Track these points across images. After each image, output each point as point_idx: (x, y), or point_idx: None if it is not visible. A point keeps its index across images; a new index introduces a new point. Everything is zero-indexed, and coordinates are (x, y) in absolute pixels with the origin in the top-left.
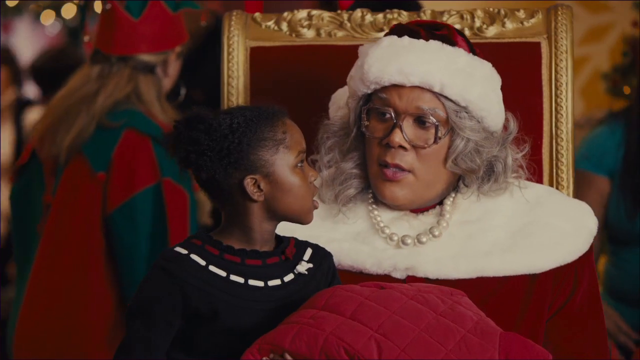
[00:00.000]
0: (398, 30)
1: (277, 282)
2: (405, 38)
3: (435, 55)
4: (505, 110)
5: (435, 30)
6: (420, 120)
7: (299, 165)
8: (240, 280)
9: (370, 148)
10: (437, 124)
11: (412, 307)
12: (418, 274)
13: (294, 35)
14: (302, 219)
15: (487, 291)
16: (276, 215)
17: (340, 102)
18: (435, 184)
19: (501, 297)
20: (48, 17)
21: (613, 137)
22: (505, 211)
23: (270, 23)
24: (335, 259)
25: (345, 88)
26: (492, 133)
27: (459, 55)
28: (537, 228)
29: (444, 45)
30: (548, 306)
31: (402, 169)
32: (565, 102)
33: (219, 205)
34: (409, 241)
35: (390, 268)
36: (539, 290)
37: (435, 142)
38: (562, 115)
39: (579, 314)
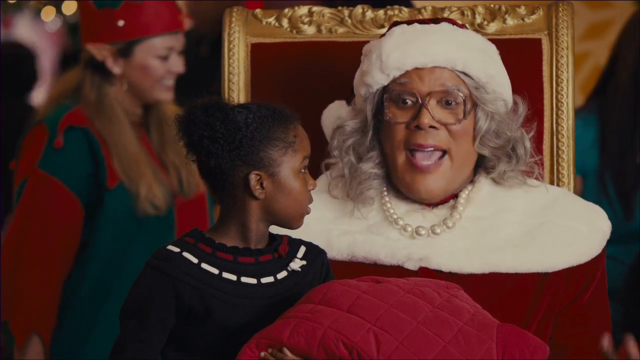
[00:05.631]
0: (406, 22)
1: (270, 279)
2: (416, 24)
3: (452, 35)
4: (513, 94)
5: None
6: (445, 101)
7: (302, 170)
8: (233, 277)
9: (394, 136)
10: (464, 97)
11: (409, 301)
12: (431, 265)
13: (294, 31)
14: (293, 224)
15: (498, 287)
16: (271, 215)
17: (338, 113)
18: (465, 167)
19: (512, 294)
20: (49, 14)
21: (587, 133)
22: (519, 209)
23: (271, 19)
24: (349, 251)
25: (336, 103)
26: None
27: (472, 34)
28: (552, 228)
29: (455, 27)
30: (556, 304)
31: (437, 149)
32: (566, 99)
33: (218, 198)
34: (422, 232)
35: (405, 258)
36: (549, 289)
37: (464, 117)
38: (562, 111)
39: (584, 313)
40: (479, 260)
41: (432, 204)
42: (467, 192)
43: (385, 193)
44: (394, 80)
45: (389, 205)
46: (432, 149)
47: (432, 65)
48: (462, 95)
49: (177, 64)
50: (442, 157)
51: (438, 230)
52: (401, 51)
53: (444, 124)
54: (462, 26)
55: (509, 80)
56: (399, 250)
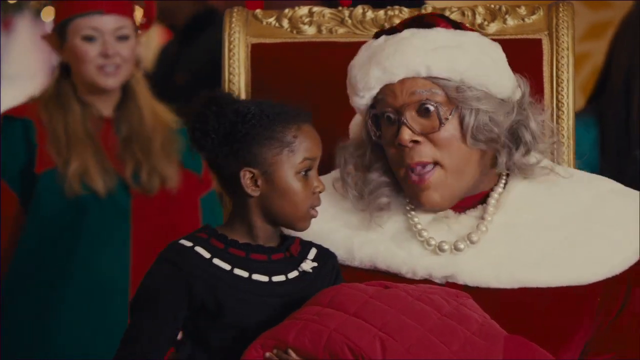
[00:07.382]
0: (378, 34)
1: (281, 278)
2: (382, 37)
3: (409, 42)
4: (515, 74)
5: (414, 20)
6: (423, 110)
7: (303, 172)
8: (245, 274)
9: (388, 154)
10: (435, 105)
11: (417, 307)
12: (458, 282)
13: (295, 32)
14: (294, 225)
15: (528, 302)
16: (270, 214)
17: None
18: (466, 168)
19: (544, 309)
20: (49, 14)
21: (588, 134)
22: (553, 216)
23: (271, 20)
24: (371, 261)
25: None
26: (502, 100)
27: (437, 34)
28: (586, 237)
29: (418, 29)
30: (594, 320)
31: (425, 164)
32: (567, 99)
33: (226, 194)
34: (445, 247)
35: (427, 276)
36: (585, 304)
37: (441, 123)
38: (563, 112)
39: (628, 329)
40: (507, 275)
41: (460, 209)
42: (496, 195)
43: (409, 201)
44: (375, 97)
45: (412, 213)
46: (419, 167)
47: (397, 78)
48: (433, 102)
49: (111, 47)
50: (433, 168)
51: (461, 246)
52: (363, 72)
53: (425, 135)
54: (435, 23)
55: (495, 66)
56: (420, 268)
